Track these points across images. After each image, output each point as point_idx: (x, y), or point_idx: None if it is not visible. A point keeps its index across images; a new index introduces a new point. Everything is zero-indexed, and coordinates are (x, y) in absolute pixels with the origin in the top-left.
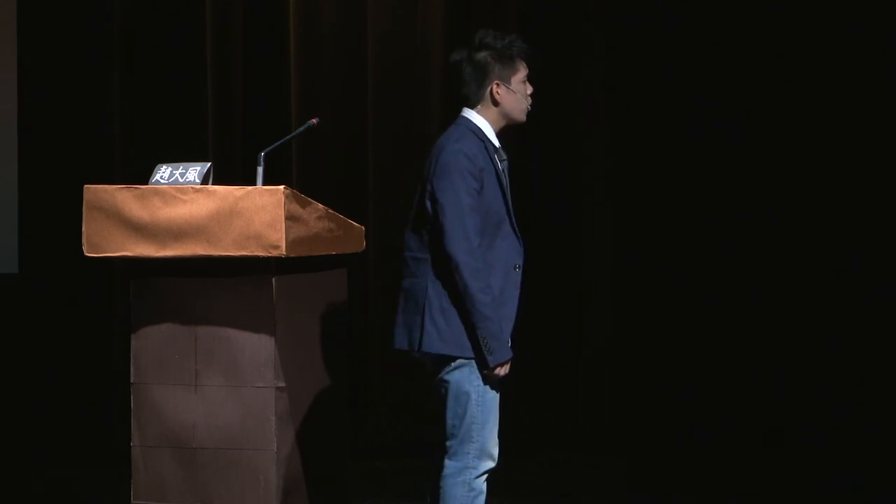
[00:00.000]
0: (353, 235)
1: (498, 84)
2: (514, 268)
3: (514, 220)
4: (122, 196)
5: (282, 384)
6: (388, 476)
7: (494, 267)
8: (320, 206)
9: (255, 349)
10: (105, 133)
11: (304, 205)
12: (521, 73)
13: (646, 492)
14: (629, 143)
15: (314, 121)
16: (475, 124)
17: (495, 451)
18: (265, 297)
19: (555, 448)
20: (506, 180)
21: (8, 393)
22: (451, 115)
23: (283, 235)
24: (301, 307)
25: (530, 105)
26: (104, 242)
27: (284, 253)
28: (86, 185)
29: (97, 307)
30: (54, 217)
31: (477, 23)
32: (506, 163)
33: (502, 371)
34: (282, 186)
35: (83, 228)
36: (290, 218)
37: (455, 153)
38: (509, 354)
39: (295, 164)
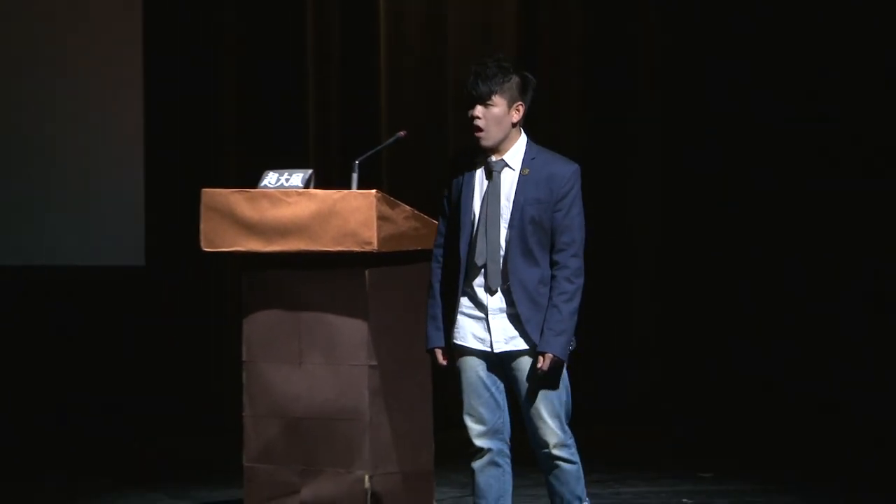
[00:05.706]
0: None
1: None
2: (467, 275)
3: (476, 228)
4: (234, 198)
5: (374, 363)
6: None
7: (461, 271)
8: (407, 207)
9: (351, 332)
10: (221, 142)
11: (393, 206)
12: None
13: (680, 465)
14: (679, 140)
15: (402, 133)
16: None
17: (469, 431)
18: (359, 286)
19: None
20: (490, 190)
21: (140, 367)
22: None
23: (375, 233)
24: (390, 295)
25: (473, 131)
26: (219, 239)
27: (376, 248)
28: (203, 189)
29: (213, 295)
30: (176, 217)
31: (547, 41)
32: (496, 176)
33: (436, 359)
34: (374, 190)
35: (201, 227)
36: (381, 218)
37: None
38: (428, 345)
39: (385, 171)
